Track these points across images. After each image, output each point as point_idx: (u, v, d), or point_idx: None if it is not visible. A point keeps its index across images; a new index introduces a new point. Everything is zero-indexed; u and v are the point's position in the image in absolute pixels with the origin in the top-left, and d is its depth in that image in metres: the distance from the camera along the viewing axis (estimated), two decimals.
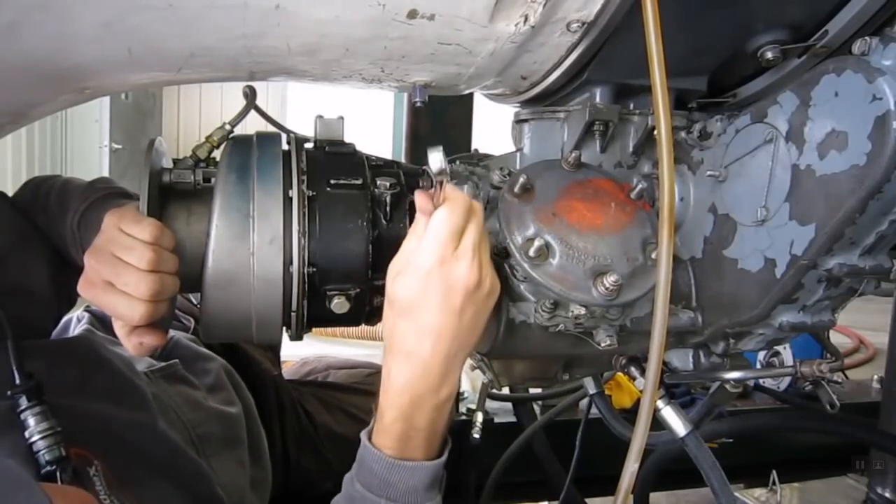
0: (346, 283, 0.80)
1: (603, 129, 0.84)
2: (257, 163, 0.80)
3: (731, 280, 0.78)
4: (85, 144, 5.14)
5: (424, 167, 0.88)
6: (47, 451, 0.68)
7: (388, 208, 0.81)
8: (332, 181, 0.80)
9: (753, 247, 0.75)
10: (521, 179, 0.77)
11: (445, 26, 0.71)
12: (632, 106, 0.86)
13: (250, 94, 0.89)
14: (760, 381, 2.06)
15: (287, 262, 0.77)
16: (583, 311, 0.75)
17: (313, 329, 0.88)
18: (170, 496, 0.81)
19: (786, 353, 1.99)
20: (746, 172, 0.76)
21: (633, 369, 0.91)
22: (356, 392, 1.59)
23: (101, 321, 1.11)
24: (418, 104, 0.86)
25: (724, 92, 0.89)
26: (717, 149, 0.81)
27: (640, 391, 0.74)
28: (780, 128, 0.71)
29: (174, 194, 0.83)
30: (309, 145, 0.86)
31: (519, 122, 0.90)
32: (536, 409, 1.77)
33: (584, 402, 1.41)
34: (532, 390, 1.73)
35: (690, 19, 0.73)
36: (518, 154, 0.90)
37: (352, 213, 0.80)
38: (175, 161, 0.86)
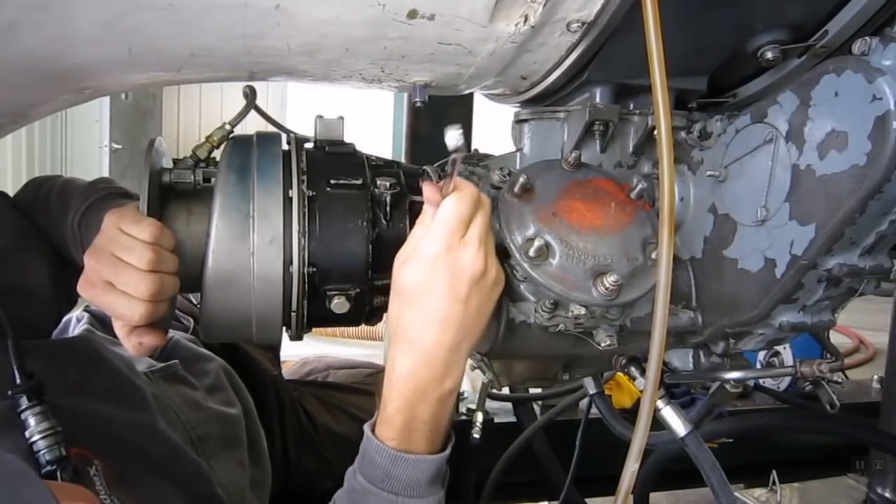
0: (346, 283, 0.80)
1: (603, 129, 0.84)
2: (257, 163, 0.80)
3: (731, 280, 0.78)
4: (85, 144, 5.14)
5: (424, 167, 0.88)
6: (47, 450, 0.68)
7: (388, 208, 0.81)
8: (332, 181, 0.80)
9: (753, 247, 0.75)
10: (521, 179, 0.77)
11: (445, 26, 0.71)
12: (632, 106, 0.86)
13: (250, 94, 0.89)
14: (760, 381, 2.06)
15: (287, 262, 0.77)
16: (583, 311, 0.75)
17: (313, 329, 0.88)
18: (170, 496, 0.81)
19: (786, 353, 1.99)
20: (746, 172, 0.76)
21: (633, 369, 0.91)
22: (356, 392, 1.59)
23: (101, 321, 1.11)
24: (418, 104, 0.86)
25: (724, 92, 0.89)
26: (717, 149, 0.81)
27: (640, 391, 0.74)
28: (780, 128, 0.71)
29: (174, 194, 0.83)
30: (309, 145, 0.86)
31: (519, 122, 0.90)
32: (536, 409, 1.77)
33: (584, 402, 1.41)
34: (532, 390, 1.73)
35: (690, 19, 0.73)
36: (518, 154, 0.90)
37: (352, 213, 0.80)
38: (175, 161, 0.86)
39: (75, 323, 1.10)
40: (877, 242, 0.67)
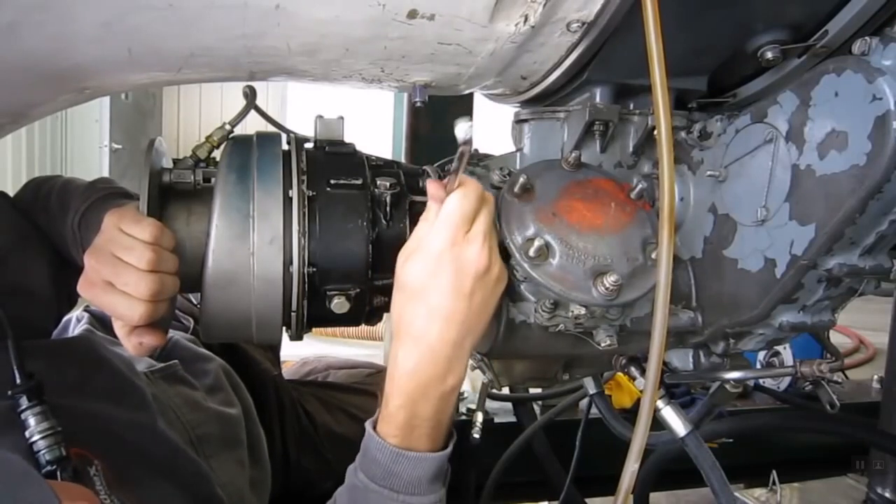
0: (346, 283, 0.80)
1: (603, 129, 0.84)
2: (257, 163, 0.80)
3: (731, 280, 0.78)
4: (85, 144, 5.14)
5: (425, 167, 0.88)
6: (47, 450, 0.68)
7: (388, 208, 0.81)
8: (332, 181, 0.80)
9: (753, 247, 0.75)
10: (521, 179, 0.77)
11: (445, 26, 0.71)
12: (632, 106, 0.86)
13: (250, 94, 0.89)
14: (760, 381, 2.06)
15: (287, 262, 0.77)
16: (583, 311, 0.75)
17: (313, 329, 0.88)
18: (170, 496, 0.81)
19: (786, 353, 1.99)
20: (746, 172, 0.76)
21: (633, 369, 0.91)
22: (356, 392, 1.59)
23: (101, 321, 1.11)
24: (418, 104, 0.86)
25: (724, 92, 0.89)
26: (717, 149, 0.81)
27: (640, 391, 0.74)
28: (780, 128, 0.71)
29: (174, 194, 0.83)
30: (309, 145, 0.86)
31: (519, 122, 0.90)
32: (536, 409, 1.77)
33: (584, 402, 1.41)
34: (532, 390, 1.73)
35: (690, 19, 0.73)
36: (518, 154, 0.90)
37: (352, 213, 0.80)
38: (175, 161, 0.86)
39: (75, 323, 1.10)
40: (877, 242, 0.67)
